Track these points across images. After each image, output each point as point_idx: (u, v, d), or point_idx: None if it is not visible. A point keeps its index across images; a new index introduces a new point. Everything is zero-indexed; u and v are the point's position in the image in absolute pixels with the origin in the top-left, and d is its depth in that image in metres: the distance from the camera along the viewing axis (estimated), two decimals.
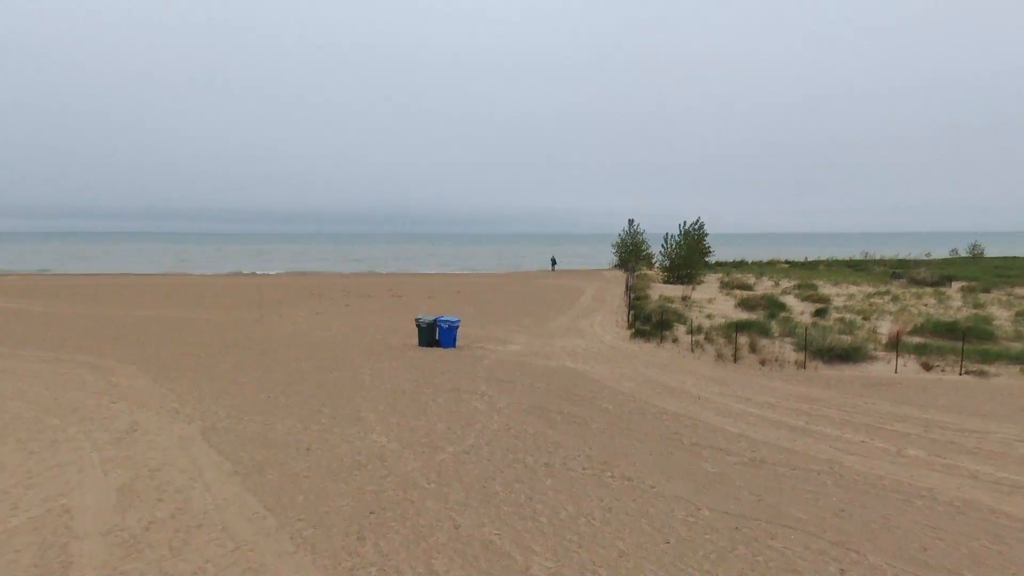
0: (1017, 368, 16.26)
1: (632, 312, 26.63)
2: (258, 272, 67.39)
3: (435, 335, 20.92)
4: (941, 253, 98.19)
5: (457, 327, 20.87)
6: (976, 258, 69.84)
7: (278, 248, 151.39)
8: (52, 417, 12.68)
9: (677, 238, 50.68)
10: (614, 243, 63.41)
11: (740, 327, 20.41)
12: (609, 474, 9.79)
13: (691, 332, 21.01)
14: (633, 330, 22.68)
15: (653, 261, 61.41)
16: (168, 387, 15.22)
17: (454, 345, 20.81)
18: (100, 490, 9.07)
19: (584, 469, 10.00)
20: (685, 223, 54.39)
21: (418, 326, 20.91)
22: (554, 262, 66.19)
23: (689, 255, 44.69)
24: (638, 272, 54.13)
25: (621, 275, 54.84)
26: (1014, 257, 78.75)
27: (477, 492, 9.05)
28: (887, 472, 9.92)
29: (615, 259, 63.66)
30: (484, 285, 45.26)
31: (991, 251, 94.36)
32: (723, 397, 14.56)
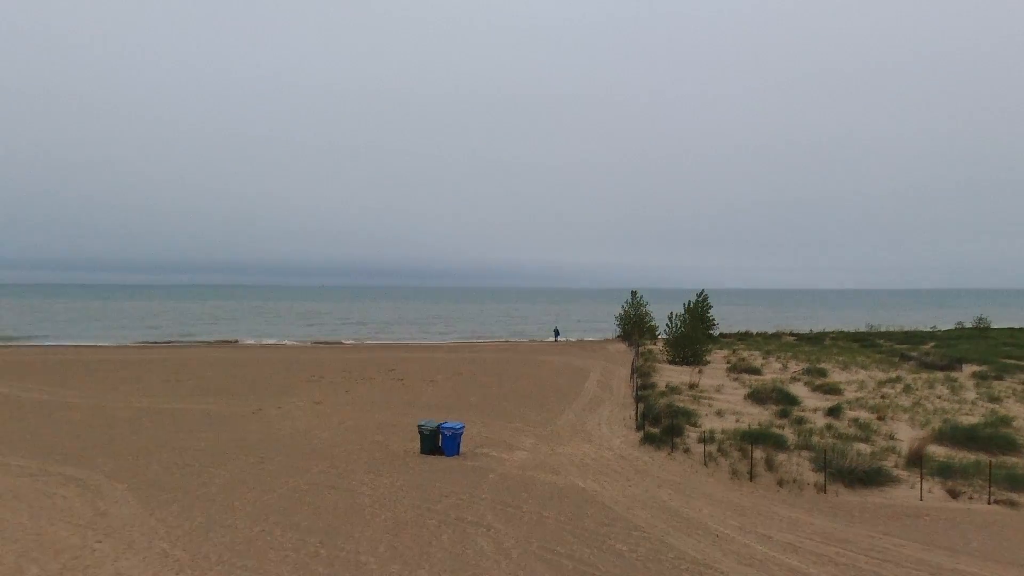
0: None
1: (640, 407, 25.91)
2: (256, 342, 66.89)
3: (438, 442, 20.21)
4: (943, 318, 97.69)
5: (461, 434, 20.19)
6: (982, 331, 69.27)
7: (278, 306, 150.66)
8: (32, 564, 11.91)
9: (683, 316, 50.40)
10: (617, 315, 63.10)
11: (754, 438, 19.71)
12: None
13: (703, 441, 20.28)
14: (642, 434, 21.94)
15: (657, 334, 60.97)
16: (158, 516, 14.45)
17: (458, 452, 20.07)
18: None
19: None
20: (689, 303, 54.45)
21: (421, 432, 20.22)
22: (557, 333, 65.73)
23: (694, 331, 44.21)
24: (642, 347, 53.56)
25: (625, 349, 54.27)
26: (1021, 329, 78.18)
27: None
28: None
29: (618, 330, 63.22)
30: (487, 364, 44.60)
31: (996, 319, 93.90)
32: (743, 534, 13.78)
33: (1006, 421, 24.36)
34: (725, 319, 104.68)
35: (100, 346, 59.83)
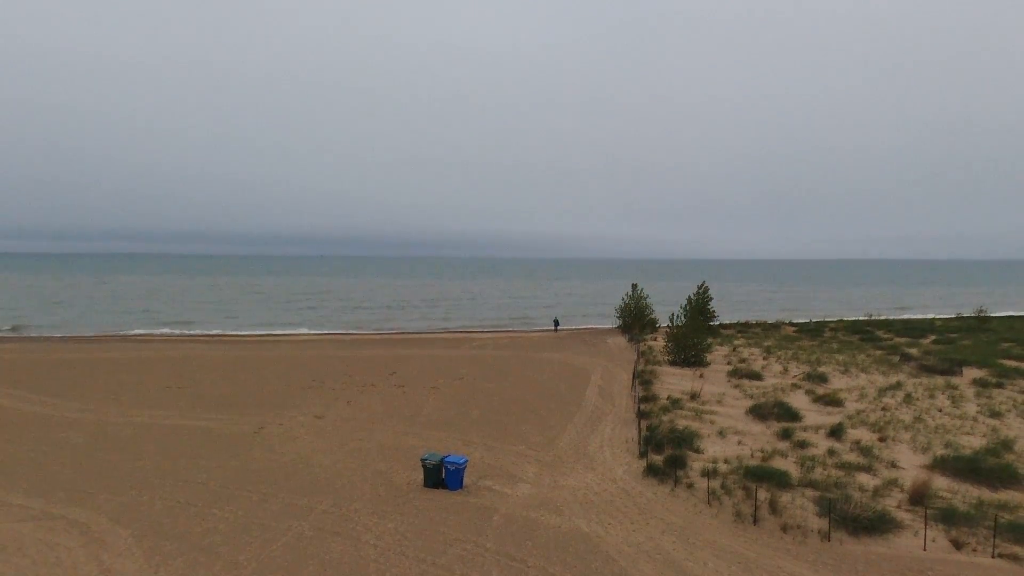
0: None
1: (641, 429, 25.91)
2: (255, 336, 66.80)
3: (441, 475, 20.17)
4: (941, 302, 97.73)
5: (464, 468, 20.14)
6: (982, 322, 69.34)
7: (274, 284, 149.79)
8: None
9: (684, 309, 50.38)
10: (617, 307, 63.00)
11: (757, 476, 19.69)
12: None
13: (706, 475, 20.28)
14: (645, 463, 21.92)
15: (657, 326, 60.98)
16: (162, 575, 14.42)
17: (461, 487, 20.06)
18: None
19: None
20: (691, 297, 54.43)
21: (424, 467, 20.17)
22: (556, 323, 65.69)
23: (694, 328, 43.99)
24: (642, 342, 53.53)
25: (625, 344, 54.27)
26: (1020, 318, 78.30)
27: None
28: None
29: (618, 321, 63.18)
30: (487, 366, 44.58)
31: (995, 299, 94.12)
32: None
33: (1008, 445, 24.40)
34: (724, 299, 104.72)
35: (98, 338, 59.69)
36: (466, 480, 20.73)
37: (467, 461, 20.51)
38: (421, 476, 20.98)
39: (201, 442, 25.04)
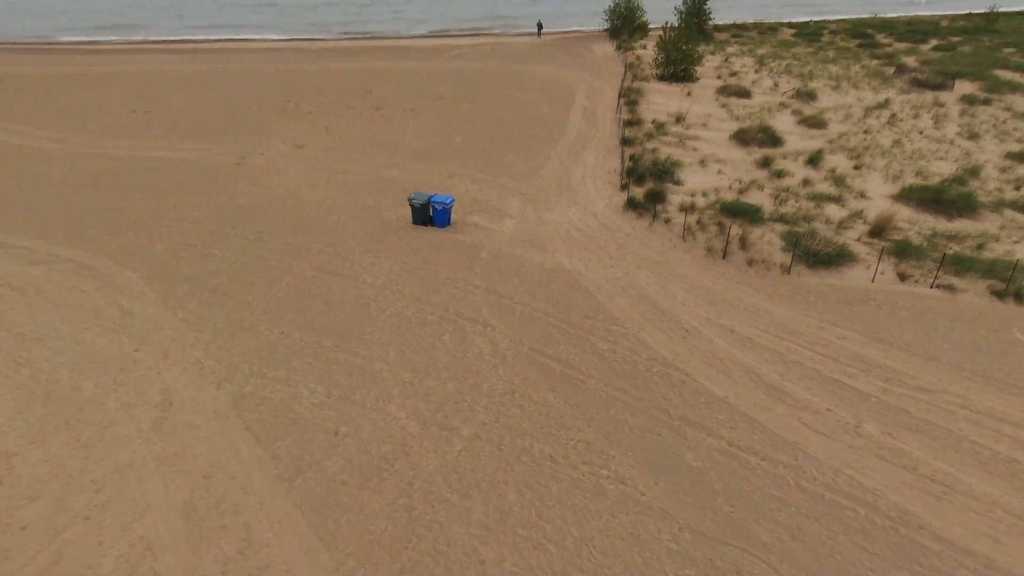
0: (984, 285, 17.27)
1: (624, 159, 26.10)
2: (214, 41, 61.38)
3: (429, 213, 20.82)
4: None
5: (451, 208, 20.70)
6: (990, 21, 65.21)
7: None
8: (85, 379, 13.52)
9: (678, 21, 46.76)
10: (606, 8, 57.62)
11: (732, 211, 20.61)
12: (606, 474, 11.35)
13: (684, 210, 21.16)
14: (626, 196, 22.62)
15: (648, 28, 56.81)
16: (181, 317, 15.77)
17: (449, 224, 20.89)
18: (167, 512, 10.46)
19: (584, 466, 11.53)
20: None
21: (411, 206, 20.68)
22: (540, 27, 60.54)
23: (688, 38, 41.06)
24: (631, 50, 50.47)
25: (612, 53, 51.16)
26: None
27: (494, 506, 10.63)
28: (841, 464, 11.61)
29: (607, 25, 58.46)
30: (467, 82, 42.41)
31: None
32: (709, 326, 15.67)
33: (975, 171, 25.22)
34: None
35: (36, 46, 54.61)
36: (453, 216, 21.48)
37: (454, 201, 20.98)
38: (408, 212, 21.63)
39: (184, 177, 24.93)
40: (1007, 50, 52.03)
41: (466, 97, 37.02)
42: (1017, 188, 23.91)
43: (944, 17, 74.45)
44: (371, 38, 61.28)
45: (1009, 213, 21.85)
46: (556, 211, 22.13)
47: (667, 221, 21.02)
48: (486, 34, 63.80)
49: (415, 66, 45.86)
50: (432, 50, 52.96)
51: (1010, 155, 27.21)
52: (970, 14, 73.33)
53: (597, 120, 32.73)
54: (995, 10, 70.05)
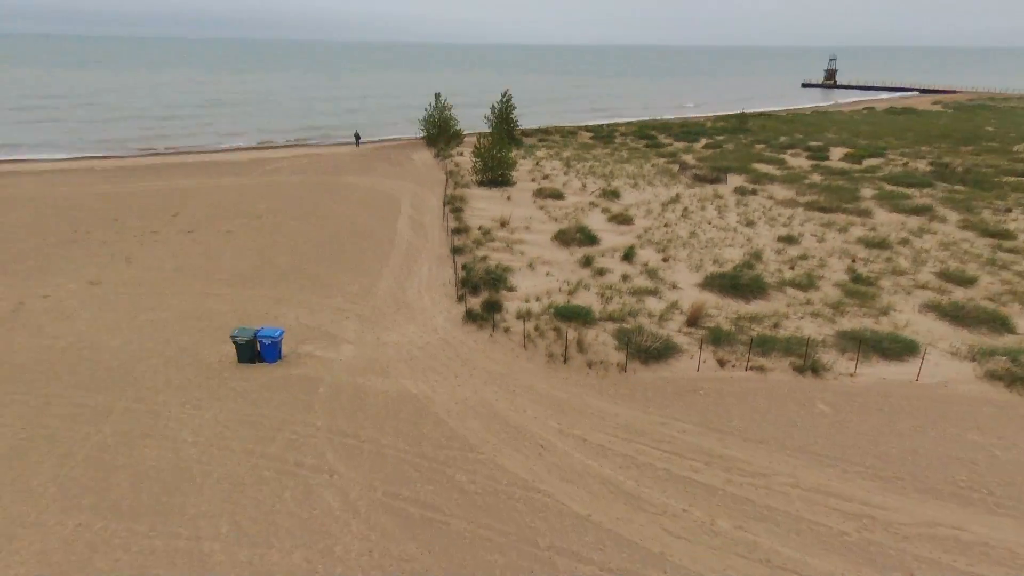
0: (787, 362, 19.44)
1: (457, 268, 26.48)
2: None
3: (257, 349, 19.17)
4: (713, 102, 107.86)
5: (280, 340, 19.27)
6: (741, 121, 77.97)
7: None
8: None
9: (489, 121, 50.21)
10: (421, 119, 60.32)
11: (566, 315, 21.51)
12: None
13: (521, 318, 21.69)
14: (464, 309, 22.73)
15: (463, 135, 60.05)
16: None
17: (279, 358, 19.36)
18: None
19: None
20: (495, 106, 54.40)
21: (236, 344, 18.93)
22: (358, 138, 61.50)
23: (500, 144, 43.82)
24: (449, 157, 52.74)
25: (431, 160, 53.11)
26: (769, 114, 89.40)
27: None
28: (706, 569, 11.86)
29: (423, 133, 60.92)
30: (286, 195, 41.33)
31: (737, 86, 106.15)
32: (562, 439, 15.72)
33: (758, 255, 29.02)
34: (525, 90, 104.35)
35: None
36: (284, 348, 20.00)
37: (283, 333, 19.60)
38: (232, 347, 19.78)
39: None
40: (759, 146, 62.31)
41: (288, 213, 35.82)
42: (792, 267, 27.82)
43: (708, 118, 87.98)
44: (176, 153, 57.93)
45: (791, 291, 25.19)
46: (395, 331, 21.55)
47: (507, 330, 21.33)
48: (304, 145, 63.36)
49: (229, 182, 43.80)
50: (247, 164, 51.18)
51: (780, 239, 31.83)
52: (728, 115, 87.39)
53: (426, 229, 33.19)
54: (744, 112, 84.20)
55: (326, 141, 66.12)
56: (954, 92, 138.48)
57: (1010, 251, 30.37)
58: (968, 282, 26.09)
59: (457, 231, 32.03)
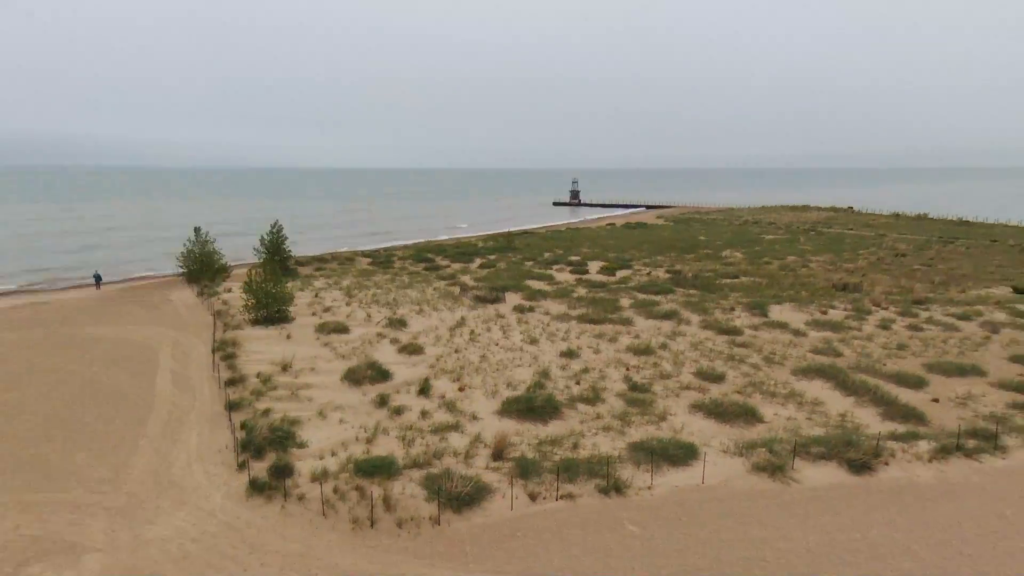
0: (592, 484, 19.89)
1: (235, 429, 23.36)
2: None
3: None
4: (482, 222, 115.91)
5: None
6: (509, 241, 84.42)
7: None
8: None
9: (260, 254, 47.67)
10: (180, 254, 55.04)
11: (367, 471, 19.83)
12: None
13: (317, 479, 19.48)
14: (247, 478, 19.78)
15: (229, 269, 55.83)
16: None
17: None
18: None
19: None
20: (264, 237, 52.49)
21: None
22: (98, 279, 53.73)
23: (272, 275, 40.99)
24: (216, 296, 48.26)
25: (194, 299, 48.14)
26: (530, 232, 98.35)
27: None
28: None
29: (182, 268, 55.39)
30: (4, 356, 33.96)
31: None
32: None
33: (546, 374, 30.29)
34: (297, 217, 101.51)
35: None
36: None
37: None
38: None
39: None
40: (528, 263, 67.47)
41: (4, 382, 29.06)
42: (578, 382, 29.43)
43: (480, 237, 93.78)
44: None
45: (581, 407, 26.44)
46: (160, 522, 17.84)
47: (301, 498, 18.91)
48: (27, 292, 53.47)
49: None
50: None
51: (563, 353, 33.80)
52: (496, 234, 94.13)
53: (192, 385, 29.18)
54: (511, 231, 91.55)
55: (56, 285, 56.69)
56: (670, 207, 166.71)
57: (741, 345, 35.77)
58: (719, 379, 29.90)
59: (231, 382, 28.63)
